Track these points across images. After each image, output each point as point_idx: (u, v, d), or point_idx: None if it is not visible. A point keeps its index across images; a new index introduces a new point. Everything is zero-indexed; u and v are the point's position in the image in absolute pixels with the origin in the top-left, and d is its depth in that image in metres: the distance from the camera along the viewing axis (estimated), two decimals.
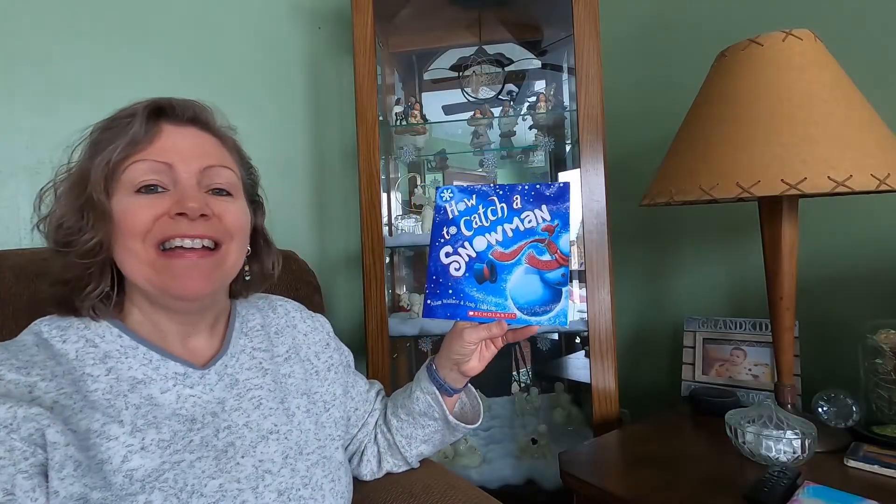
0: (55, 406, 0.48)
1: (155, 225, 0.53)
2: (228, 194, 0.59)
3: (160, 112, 0.57)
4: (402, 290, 1.60)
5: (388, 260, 1.50)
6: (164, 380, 0.55)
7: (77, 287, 0.54)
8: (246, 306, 0.69)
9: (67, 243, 0.53)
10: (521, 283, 0.62)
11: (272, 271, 0.69)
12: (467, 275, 0.64)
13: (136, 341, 0.56)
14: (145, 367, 0.55)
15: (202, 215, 0.54)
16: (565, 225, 0.62)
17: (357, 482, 0.76)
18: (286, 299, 0.76)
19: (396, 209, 1.57)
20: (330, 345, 0.74)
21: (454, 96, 1.53)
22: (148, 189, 0.54)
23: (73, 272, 0.53)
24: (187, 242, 0.54)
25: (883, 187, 0.76)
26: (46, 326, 0.54)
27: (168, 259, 0.53)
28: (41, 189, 0.57)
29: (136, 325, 0.57)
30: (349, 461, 0.76)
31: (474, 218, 0.66)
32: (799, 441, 0.81)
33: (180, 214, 0.53)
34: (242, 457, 0.56)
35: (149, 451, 0.50)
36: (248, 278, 0.66)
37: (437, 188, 0.71)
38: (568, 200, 0.63)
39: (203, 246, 0.55)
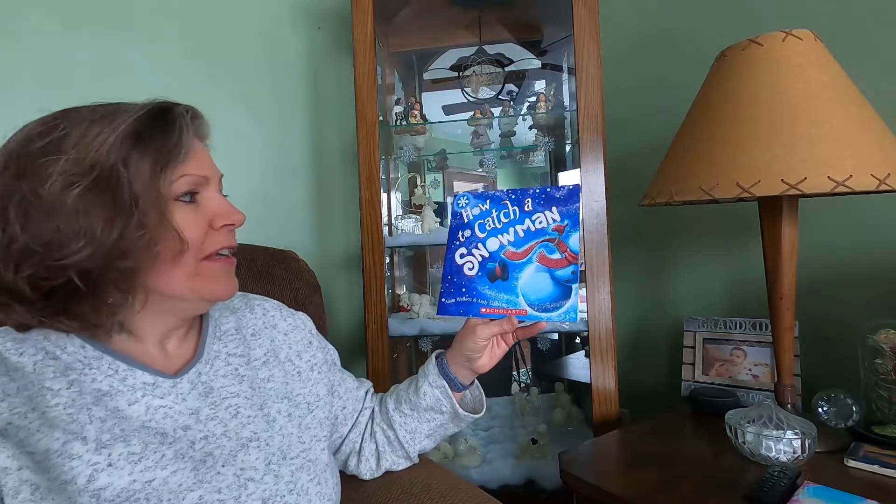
0: (8, 428, 0.46)
1: (206, 238, 0.54)
2: None
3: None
4: (402, 290, 1.60)
5: (388, 260, 1.50)
6: (131, 391, 0.52)
7: (105, 302, 0.49)
8: (219, 309, 0.66)
9: (124, 254, 0.48)
10: (532, 280, 0.65)
11: None
12: (480, 274, 0.67)
13: (101, 351, 0.52)
14: (111, 378, 0.52)
15: None
16: (575, 225, 0.65)
17: (356, 482, 0.76)
18: (265, 298, 0.73)
19: (396, 209, 1.57)
20: (312, 343, 0.72)
21: (454, 96, 1.53)
22: (187, 198, 0.53)
23: (105, 288, 0.49)
24: (225, 251, 0.56)
25: (883, 187, 0.76)
26: (1, 339, 0.51)
27: (210, 264, 0.55)
28: None
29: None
30: (346, 462, 0.76)
31: (488, 221, 0.69)
32: (799, 441, 0.81)
33: (227, 226, 0.56)
34: (223, 466, 0.53)
35: (117, 467, 0.48)
36: None
37: (454, 195, 0.74)
38: (578, 202, 0.66)
39: None
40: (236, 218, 0.56)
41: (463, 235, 0.70)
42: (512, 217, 0.68)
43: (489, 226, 0.69)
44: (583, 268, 1.18)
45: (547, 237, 0.65)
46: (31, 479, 0.44)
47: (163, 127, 0.51)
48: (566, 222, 0.65)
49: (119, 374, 0.52)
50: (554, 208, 0.66)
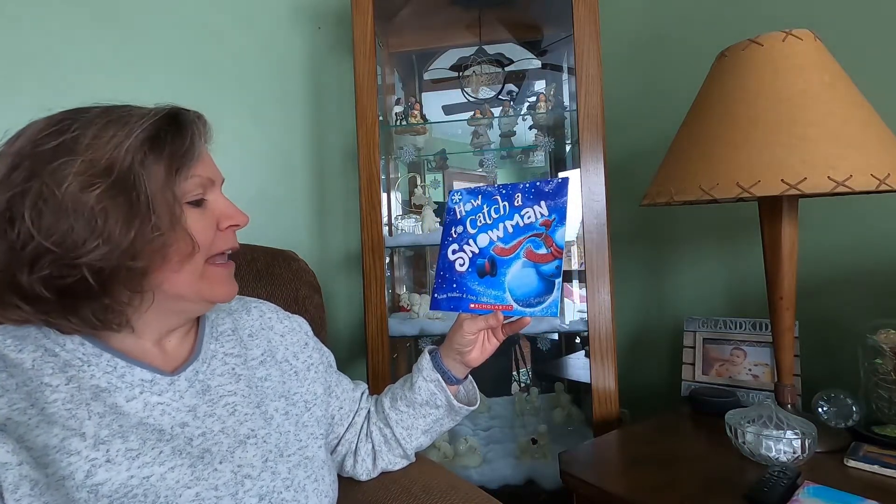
0: (7, 423, 0.46)
1: (214, 239, 0.56)
2: None
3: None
4: (402, 290, 1.60)
5: (388, 260, 1.50)
6: (129, 387, 0.52)
7: (115, 301, 0.50)
8: (215, 310, 0.67)
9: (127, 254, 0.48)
10: (519, 276, 0.66)
11: None
12: (470, 270, 0.69)
13: (100, 348, 0.53)
14: (109, 374, 0.52)
15: None
16: (562, 219, 0.65)
17: (354, 482, 0.76)
18: (261, 300, 0.75)
19: (396, 209, 1.57)
20: (309, 344, 0.73)
21: (454, 96, 1.53)
22: (196, 203, 0.55)
23: (109, 287, 0.49)
24: (228, 251, 0.59)
25: (883, 187, 0.76)
26: (0, 336, 0.51)
27: (213, 268, 0.56)
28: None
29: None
30: (342, 463, 0.77)
31: (479, 217, 0.70)
32: (799, 441, 0.81)
33: (231, 227, 0.58)
34: (220, 463, 0.54)
35: (115, 462, 0.48)
36: None
37: (449, 192, 0.76)
38: (566, 195, 0.66)
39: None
40: (241, 219, 0.58)
41: (455, 231, 0.71)
42: (502, 213, 0.69)
43: (480, 221, 0.70)
44: (583, 268, 1.18)
45: (534, 232, 0.66)
46: (30, 474, 0.45)
47: (176, 131, 0.53)
48: (553, 217, 0.65)
49: (117, 370, 0.53)
50: (543, 203, 0.66)
